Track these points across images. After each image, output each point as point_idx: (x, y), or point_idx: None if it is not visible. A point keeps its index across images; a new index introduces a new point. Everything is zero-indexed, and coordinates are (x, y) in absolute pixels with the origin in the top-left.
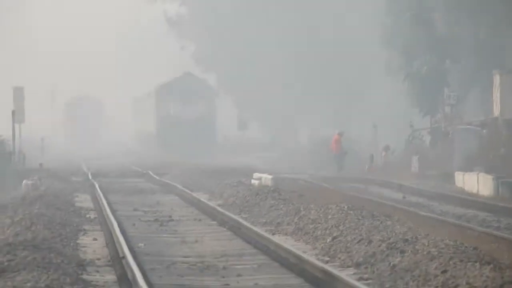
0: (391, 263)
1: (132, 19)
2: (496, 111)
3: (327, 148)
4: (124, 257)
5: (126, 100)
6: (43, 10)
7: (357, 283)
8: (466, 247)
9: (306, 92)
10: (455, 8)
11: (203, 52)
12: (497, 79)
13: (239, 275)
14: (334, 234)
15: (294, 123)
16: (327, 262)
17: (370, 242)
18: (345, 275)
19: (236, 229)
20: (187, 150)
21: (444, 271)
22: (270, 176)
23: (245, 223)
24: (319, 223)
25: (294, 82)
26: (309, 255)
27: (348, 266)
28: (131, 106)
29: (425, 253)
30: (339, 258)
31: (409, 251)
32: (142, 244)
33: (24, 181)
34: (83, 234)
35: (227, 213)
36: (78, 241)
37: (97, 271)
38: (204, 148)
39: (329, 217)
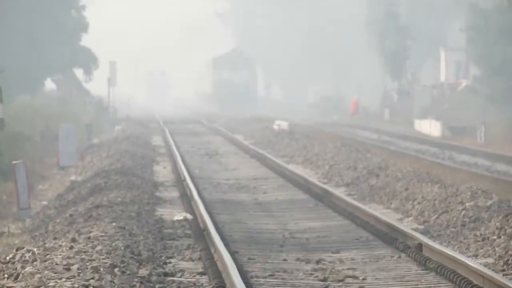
0: (370, 184)
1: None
2: (442, 77)
3: (327, 103)
4: (184, 179)
5: (187, 69)
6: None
7: (346, 197)
8: (421, 172)
9: (312, 64)
10: (414, 3)
11: (243, 35)
12: (442, 54)
13: (264, 192)
14: (331, 163)
15: (304, 85)
16: (325, 183)
17: (355, 169)
18: (338, 192)
19: (262, 160)
20: (235, 106)
21: (406, 189)
22: (286, 123)
23: (268, 155)
24: (320, 155)
25: (304, 57)
26: (313, 178)
27: (340, 186)
28: (193, 73)
29: (393, 176)
30: (334, 180)
31: (382, 175)
32: (197, 171)
33: (116, 127)
34: (156, 164)
35: (256, 148)
36: (153, 169)
37: (166, 190)
38: (247, 104)
39: (327, 151)
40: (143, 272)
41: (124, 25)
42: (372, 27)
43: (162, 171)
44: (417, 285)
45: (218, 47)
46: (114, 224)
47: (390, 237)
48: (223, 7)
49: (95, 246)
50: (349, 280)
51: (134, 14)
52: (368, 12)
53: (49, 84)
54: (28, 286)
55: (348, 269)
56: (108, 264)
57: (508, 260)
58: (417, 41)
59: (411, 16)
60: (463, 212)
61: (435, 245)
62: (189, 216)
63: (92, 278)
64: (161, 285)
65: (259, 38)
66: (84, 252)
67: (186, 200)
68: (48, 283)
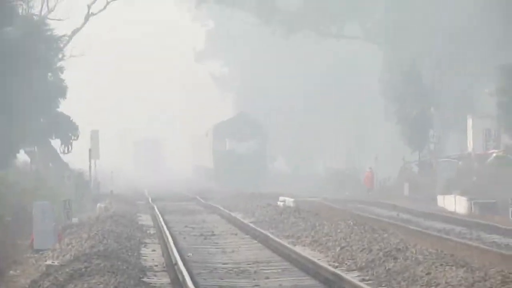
0: (387, 267)
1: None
2: (470, 147)
3: (337, 176)
4: (176, 263)
5: (183, 139)
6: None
7: (360, 283)
8: (445, 254)
9: (321, 133)
10: (437, 68)
11: (242, 100)
12: (469, 122)
13: (267, 278)
14: (342, 245)
15: (311, 157)
16: (336, 267)
17: (370, 250)
18: (351, 277)
19: (265, 241)
20: (241, 182)
21: (428, 273)
22: (292, 199)
23: (272, 236)
24: (330, 236)
25: (312, 126)
26: (322, 261)
27: (353, 270)
28: (190, 143)
29: (413, 259)
30: (346, 264)
31: (401, 257)
32: (191, 254)
33: (98, 204)
34: (144, 246)
35: (257, 228)
36: (140, 252)
37: (155, 275)
38: (256, 179)
39: (338, 231)
40: None
41: (107, 91)
42: (389, 91)
43: (151, 254)
44: None
45: (218, 115)
46: None
47: None
48: (221, 71)
49: None
50: None
51: (118, 77)
52: (386, 75)
53: (22, 157)
54: None
55: None
56: None
57: None
58: (441, 107)
59: (434, 82)
60: None
61: None
62: None
63: None
64: None
65: (261, 105)
66: None
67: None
68: None
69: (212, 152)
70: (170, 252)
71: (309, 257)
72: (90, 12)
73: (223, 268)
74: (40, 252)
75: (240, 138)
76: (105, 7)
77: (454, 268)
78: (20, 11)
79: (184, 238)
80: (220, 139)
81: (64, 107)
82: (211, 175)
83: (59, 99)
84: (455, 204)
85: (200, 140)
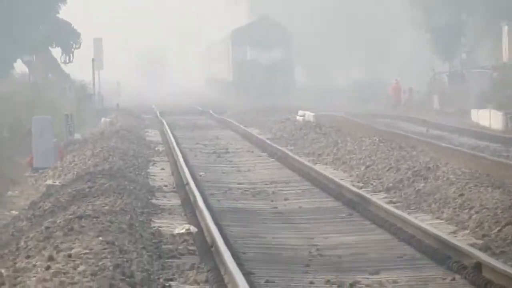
0: (416, 188)
1: None
2: (505, 57)
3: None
4: (187, 183)
5: (194, 49)
6: None
7: (387, 206)
8: (480, 173)
9: (342, 42)
10: None
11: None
12: (505, 30)
13: (286, 199)
14: (367, 163)
15: (334, 68)
16: (361, 187)
17: (398, 170)
18: (377, 198)
19: (283, 160)
20: (265, 97)
21: (461, 194)
22: (312, 113)
23: (290, 154)
24: (354, 154)
25: (334, 34)
26: (346, 181)
27: (380, 191)
28: (203, 52)
29: (445, 179)
30: (372, 184)
31: (431, 177)
32: (203, 173)
33: (103, 119)
34: (153, 164)
35: (275, 145)
36: (148, 171)
37: (164, 196)
38: (283, 94)
39: (363, 148)
40: None
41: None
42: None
43: (160, 174)
44: None
45: (231, 25)
46: (100, 238)
47: (441, 254)
48: None
49: (77, 266)
50: None
51: None
52: None
53: (20, 67)
54: None
55: None
56: None
57: None
58: (473, 14)
59: None
60: None
61: (498, 264)
62: (193, 229)
63: None
64: None
65: (278, 11)
66: (64, 273)
67: (189, 209)
68: None
69: (231, 62)
70: (181, 171)
71: (331, 176)
72: None
73: (238, 189)
74: (40, 171)
75: (264, 46)
76: None
77: (489, 189)
78: None
79: (196, 155)
80: (240, 46)
81: (65, 13)
82: (229, 88)
83: (59, 4)
84: (490, 118)
85: (215, 49)
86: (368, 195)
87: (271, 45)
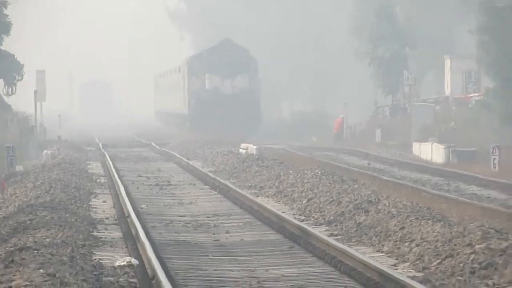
0: (357, 221)
1: (136, 13)
2: (447, 91)
3: (304, 122)
4: (128, 216)
5: (138, 80)
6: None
7: (328, 238)
8: (420, 207)
9: (287, 75)
10: (413, 3)
11: (201, 41)
12: (447, 63)
13: (227, 232)
14: (309, 196)
15: (278, 100)
16: (303, 220)
17: (339, 203)
18: (318, 231)
19: (225, 192)
20: (226, 132)
21: (402, 228)
22: (255, 146)
23: (233, 186)
24: (296, 186)
25: (279, 67)
26: (287, 214)
27: (321, 224)
28: (151, 84)
29: (386, 212)
30: (313, 217)
31: (373, 210)
32: (145, 205)
33: (45, 151)
34: (94, 197)
35: (217, 178)
36: (90, 203)
37: (106, 229)
38: (248, 128)
39: (305, 181)
40: None
41: (56, 28)
42: (361, 31)
43: (102, 206)
44: None
45: (176, 57)
46: (41, 271)
47: (381, 287)
48: (177, 6)
49: None
50: None
51: (68, 13)
52: (357, 13)
53: None
54: None
55: None
56: None
57: None
58: (416, 47)
59: (409, 19)
60: (472, 257)
61: None
62: (134, 261)
63: None
64: None
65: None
66: None
67: (131, 242)
68: None
69: (186, 92)
70: (122, 204)
71: (273, 209)
72: None
73: (180, 221)
74: None
75: (227, 73)
76: None
77: (430, 222)
78: None
79: (138, 188)
80: (198, 75)
81: (8, 45)
82: (184, 122)
83: (2, 35)
84: (432, 152)
85: (166, 79)
86: (309, 228)
87: (235, 72)
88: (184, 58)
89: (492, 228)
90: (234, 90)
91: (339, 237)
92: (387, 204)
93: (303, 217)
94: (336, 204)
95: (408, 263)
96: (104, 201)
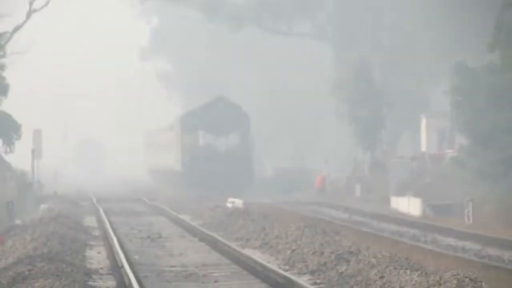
0: (339, 271)
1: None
2: (423, 148)
3: (287, 178)
4: (122, 266)
5: (130, 138)
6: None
7: (310, 286)
8: (399, 257)
9: (269, 132)
10: (389, 67)
11: (190, 102)
12: (423, 122)
13: (215, 281)
14: (293, 248)
15: (261, 157)
16: (287, 270)
17: (322, 253)
18: (302, 280)
19: (213, 244)
20: (220, 189)
21: (382, 277)
22: (241, 201)
23: (220, 238)
24: (281, 238)
25: (260, 125)
26: (272, 264)
27: (304, 273)
28: (142, 141)
29: (366, 262)
30: (297, 267)
31: (353, 260)
32: (137, 256)
33: (42, 205)
34: (89, 248)
35: (205, 230)
36: (85, 254)
37: (100, 279)
38: (241, 185)
39: (289, 233)
40: None
41: (51, 88)
42: (340, 91)
43: (96, 257)
44: None
45: (164, 117)
46: None
47: None
48: (164, 68)
49: None
50: None
51: (62, 75)
52: (336, 74)
53: None
54: None
55: None
56: None
57: None
58: (393, 107)
59: (386, 81)
60: None
61: None
62: None
63: None
64: None
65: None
66: None
67: None
68: None
69: (179, 149)
70: (116, 255)
71: (259, 260)
72: (32, 9)
73: (170, 271)
74: None
75: (220, 130)
76: (47, 3)
77: (408, 271)
78: None
79: (130, 240)
80: (191, 132)
81: (6, 105)
82: (178, 179)
83: (0, 97)
84: (409, 205)
85: (159, 136)
86: (293, 277)
87: (228, 130)
88: (177, 116)
89: (466, 277)
90: (227, 147)
91: (322, 285)
92: (367, 255)
93: (288, 267)
94: (319, 255)
95: None
96: (99, 252)
